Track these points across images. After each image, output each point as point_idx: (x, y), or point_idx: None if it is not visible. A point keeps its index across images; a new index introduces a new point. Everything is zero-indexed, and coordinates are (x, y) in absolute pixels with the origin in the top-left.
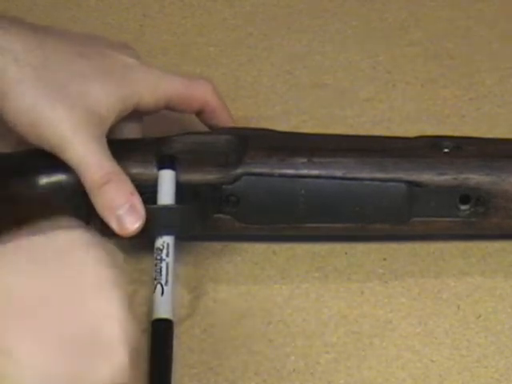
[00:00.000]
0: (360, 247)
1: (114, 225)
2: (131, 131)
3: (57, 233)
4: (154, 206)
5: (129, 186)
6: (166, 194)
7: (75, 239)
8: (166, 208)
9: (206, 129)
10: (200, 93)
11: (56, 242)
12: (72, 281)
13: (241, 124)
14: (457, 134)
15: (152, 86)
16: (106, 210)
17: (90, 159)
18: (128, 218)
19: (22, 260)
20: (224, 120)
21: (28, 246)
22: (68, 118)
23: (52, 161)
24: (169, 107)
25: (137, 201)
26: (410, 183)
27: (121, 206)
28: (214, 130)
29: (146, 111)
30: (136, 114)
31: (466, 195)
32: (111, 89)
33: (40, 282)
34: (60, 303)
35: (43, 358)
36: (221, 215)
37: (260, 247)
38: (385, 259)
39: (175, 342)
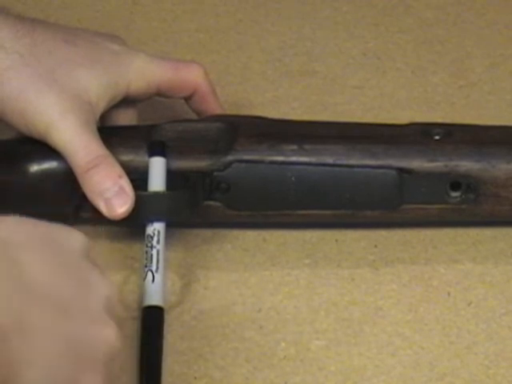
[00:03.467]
0: (350, 234)
1: (102, 208)
2: (125, 118)
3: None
4: (145, 192)
5: (117, 169)
6: (157, 181)
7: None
8: (156, 194)
9: (196, 117)
10: (191, 76)
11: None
12: (87, 296)
13: (231, 111)
14: (447, 120)
15: (141, 71)
16: (94, 193)
17: (77, 143)
18: (116, 200)
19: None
20: (214, 105)
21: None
22: (55, 104)
23: (43, 148)
24: (160, 92)
25: (125, 183)
26: (400, 170)
27: (109, 189)
28: (205, 117)
29: (137, 97)
30: (128, 101)
31: (457, 182)
32: (100, 75)
33: (50, 271)
34: (78, 309)
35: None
36: (211, 202)
37: (251, 234)
38: (375, 246)
39: (166, 329)
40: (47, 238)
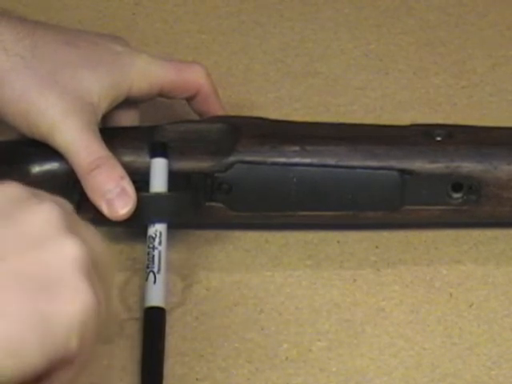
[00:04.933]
0: (352, 235)
1: (104, 209)
2: (127, 119)
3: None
4: (147, 193)
5: (119, 171)
6: (159, 182)
7: (21, 192)
8: (158, 195)
9: (197, 118)
10: (193, 77)
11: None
12: (26, 229)
13: (233, 112)
14: (449, 122)
15: (143, 72)
16: (96, 194)
17: (79, 144)
18: (118, 201)
19: None
20: (216, 106)
21: None
22: (57, 105)
23: (44, 149)
24: (162, 93)
25: (127, 184)
26: (402, 171)
27: (111, 191)
28: (206, 118)
29: (139, 98)
30: (130, 102)
31: (458, 183)
32: (101, 76)
33: None
34: (16, 247)
35: (2, 296)
36: (213, 203)
37: (252, 235)
38: (377, 247)
39: (168, 330)
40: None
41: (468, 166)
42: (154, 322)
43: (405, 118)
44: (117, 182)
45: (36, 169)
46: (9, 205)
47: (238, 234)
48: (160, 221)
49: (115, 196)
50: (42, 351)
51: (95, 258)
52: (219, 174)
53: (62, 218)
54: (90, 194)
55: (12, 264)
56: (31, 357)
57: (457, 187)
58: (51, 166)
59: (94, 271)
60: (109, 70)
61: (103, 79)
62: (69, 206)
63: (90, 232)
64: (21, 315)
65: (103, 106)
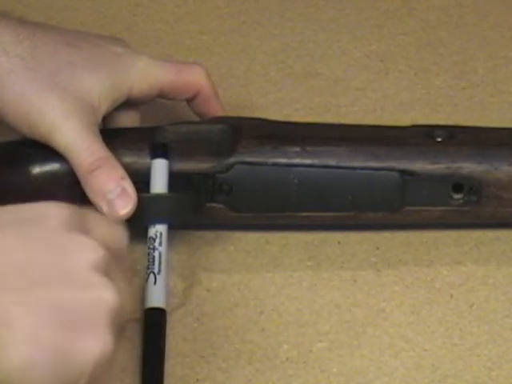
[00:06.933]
0: (353, 236)
1: (104, 209)
2: (128, 120)
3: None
4: (147, 194)
5: (119, 171)
6: (159, 183)
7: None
8: (158, 196)
9: (198, 118)
10: (194, 78)
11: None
12: (71, 263)
13: (234, 113)
14: (450, 122)
15: (144, 73)
16: (96, 195)
17: (80, 145)
18: (119, 202)
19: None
20: (216, 107)
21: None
22: (58, 106)
23: (45, 149)
24: (163, 94)
25: (127, 185)
26: (402, 172)
27: (111, 191)
28: (207, 119)
29: (139, 99)
30: (130, 103)
31: (459, 184)
32: (102, 77)
33: (24, 246)
34: (60, 279)
35: (33, 323)
36: (214, 204)
37: (253, 236)
38: (378, 248)
39: (168, 331)
40: (17, 219)
41: (469, 167)
42: (154, 323)
43: (405, 119)
44: (117, 182)
45: (36, 169)
46: (58, 228)
47: (238, 234)
48: (160, 221)
49: (116, 196)
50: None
51: (123, 305)
52: (220, 175)
53: (107, 262)
54: (91, 195)
55: (50, 294)
56: None
57: (457, 188)
58: (52, 166)
59: (120, 318)
60: (109, 72)
61: (104, 80)
62: (119, 236)
63: (125, 276)
64: (46, 345)
65: (104, 108)
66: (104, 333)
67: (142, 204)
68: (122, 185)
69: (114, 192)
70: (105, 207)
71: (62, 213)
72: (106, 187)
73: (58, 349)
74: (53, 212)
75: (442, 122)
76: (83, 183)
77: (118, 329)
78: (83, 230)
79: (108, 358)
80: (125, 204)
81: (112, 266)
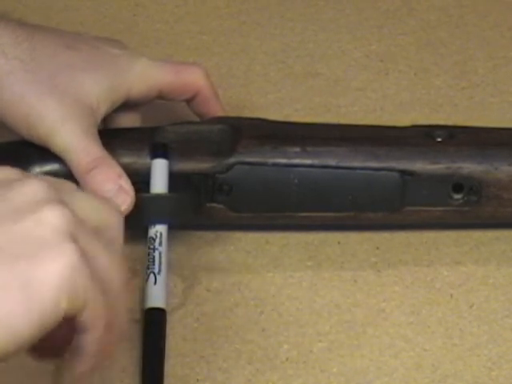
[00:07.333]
0: (353, 236)
1: None
2: (127, 121)
3: None
4: (147, 194)
5: (116, 169)
6: (159, 183)
7: (12, 173)
8: (158, 197)
9: (197, 119)
10: (192, 79)
11: None
12: (9, 204)
13: (234, 113)
14: (450, 122)
15: (142, 75)
16: (95, 194)
17: (77, 146)
18: (116, 199)
19: None
20: (215, 108)
21: None
22: (57, 108)
23: (45, 150)
24: (162, 96)
25: (125, 182)
26: (402, 172)
27: (109, 190)
28: (207, 119)
29: (138, 100)
30: (130, 104)
31: (459, 184)
32: (101, 79)
33: None
34: None
35: None
36: (214, 204)
37: (253, 236)
38: (378, 248)
39: (168, 331)
40: None
41: (469, 167)
42: (154, 323)
43: (405, 119)
44: (115, 180)
45: (36, 170)
46: None
47: (238, 234)
48: (160, 222)
49: (114, 194)
50: (30, 318)
51: (95, 223)
52: (220, 175)
53: (47, 192)
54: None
55: (1, 232)
56: (19, 325)
57: (457, 188)
58: (51, 167)
59: (96, 235)
60: (108, 73)
61: (103, 82)
62: (67, 183)
63: (89, 201)
64: (2, 284)
65: (103, 109)
66: (57, 246)
67: (142, 204)
68: (119, 183)
69: (112, 190)
70: None
71: (39, 185)
72: (103, 186)
73: (20, 281)
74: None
75: (442, 122)
76: (81, 183)
77: (93, 240)
78: (24, 178)
79: (77, 268)
80: (122, 201)
81: (61, 193)
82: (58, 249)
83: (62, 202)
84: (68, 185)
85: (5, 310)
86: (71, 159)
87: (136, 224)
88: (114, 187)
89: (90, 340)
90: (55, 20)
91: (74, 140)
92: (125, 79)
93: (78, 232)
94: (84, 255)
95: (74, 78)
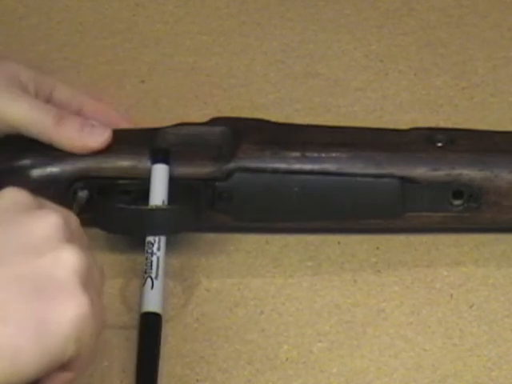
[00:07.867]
0: (353, 237)
1: (83, 149)
2: None
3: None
4: (147, 207)
5: (80, 117)
6: (159, 192)
7: (26, 199)
8: (158, 210)
9: (199, 119)
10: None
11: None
12: (28, 236)
13: (234, 113)
14: (450, 123)
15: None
16: (71, 140)
17: (34, 109)
18: (95, 134)
19: None
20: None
21: None
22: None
23: (45, 153)
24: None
25: (92, 121)
26: (402, 179)
27: (83, 129)
28: (208, 120)
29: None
30: None
31: (459, 190)
32: None
33: None
34: (17, 252)
35: (3, 300)
36: (214, 212)
37: (253, 237)
38: (378, 248)
39: (168, 331)
40: None
41: (469, 174)
42: (149, 328)
43: (405, 120)
44: (84, 121)
45: (37, 173)
46: (14, 210)
47: (238, 235)
48: (160, 233)
49: (88, 132)
50: (40, 357)
51: (90, 267)
52: (220, 183)
53: (64, 229)
54: (66, 144)
55: (12, 268)
56: (27, 361)
57: (457, 194)
58: (52, 170)
59: (90, 280)
60: None
61: None
62: (73, 218)
63: (86, 242)
64: (18, 318)
65: None
66: (75, 293)
67: (141, 217)
68: (90, 122)
69: (85, 130)
70: (82, 146)
71: (16, 196)
72: (76, 130)
73: (36, 319)
74: (8, 195)
75: (442, 123)
76: (56, 139)
77: (94, 289)
78: (38, 207)
79: (89, 315)
80: (101, 132)
81: (73, 231)
82: (72, 295)
83: (77, 244)
84: (74, 219)
85: (17, 344)
86: (36, 123)
87: (135, 235)
88: (85, 127)
89: (68, 378)
90: (55, 20)
91: (27, 107)
92: None
93: (88, 279)
94: (93, 305)
95: None
